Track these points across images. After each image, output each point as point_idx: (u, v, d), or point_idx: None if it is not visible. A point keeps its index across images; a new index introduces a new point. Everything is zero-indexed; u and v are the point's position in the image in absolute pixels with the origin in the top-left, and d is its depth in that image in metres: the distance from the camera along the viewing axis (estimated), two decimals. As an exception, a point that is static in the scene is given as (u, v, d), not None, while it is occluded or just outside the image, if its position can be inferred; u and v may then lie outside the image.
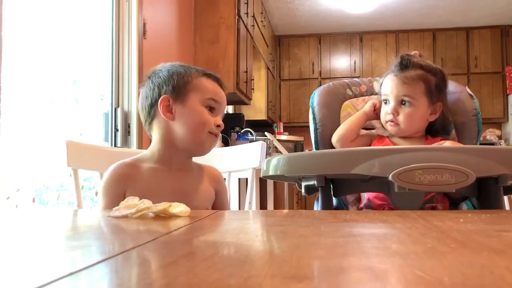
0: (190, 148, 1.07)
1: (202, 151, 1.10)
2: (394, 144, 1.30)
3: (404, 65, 1.27)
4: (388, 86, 1.29)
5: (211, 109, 1.08)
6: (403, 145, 1.28)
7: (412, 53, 1.31)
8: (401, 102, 1.26)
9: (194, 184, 1.11)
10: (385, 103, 1.30)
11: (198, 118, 1.05)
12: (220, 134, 4.00)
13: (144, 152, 1.11)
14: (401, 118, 1.26)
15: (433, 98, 1.26)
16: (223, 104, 1.12)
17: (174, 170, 1.08)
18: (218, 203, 1.15)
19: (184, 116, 1.05)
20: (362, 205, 1.29)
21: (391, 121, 1.27)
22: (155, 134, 1.09)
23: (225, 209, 1.16)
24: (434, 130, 1.32)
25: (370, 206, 1.24)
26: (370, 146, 1.33)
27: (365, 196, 1.27)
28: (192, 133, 1.05)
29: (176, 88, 1.06)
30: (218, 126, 1.08)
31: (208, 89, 1.08)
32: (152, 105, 1.08)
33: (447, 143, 1.21)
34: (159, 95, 1.06)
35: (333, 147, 1.34)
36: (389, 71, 1.31)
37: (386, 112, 1.30)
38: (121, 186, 1.04)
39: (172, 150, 1.07)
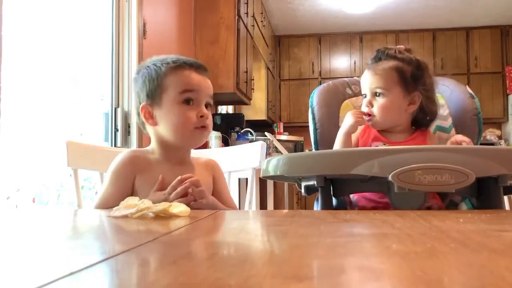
0: (181, 145, 1.09)
1: (194, 145, 1.11)
2: (379, 135, 1.28)
3: (378, 58, 1.27)
4: (362, 80, 1.29)
5: (189, 101, 1.04)
6: (387, 138, 1.26)
7: (397, 47, 1.29)
8: (375, 94, 1.25)
9: (193, 175, 1.12)
10: (365, 97, 1.28)
11: (176, 119, 1.04)
12: (220, 134, 3.94)
13: (147, 148, 1.14)
14: (375, 109, 1.24)
15: (408, 88, 1.23)
16: (202, 91, 1.05)
17: (173, 163, 1.10)
18: (218, 190, 1.15)
19: (163, 119, 1.06)
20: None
21: (367, 114, 1.25)
22: (150, 136, 1.12)
23: (225, 196, 1.15)
24: (414, 121, 1.29)
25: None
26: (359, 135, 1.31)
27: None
28: (176, 133, 1.06)
29: (149, 94, 1.06)
30: (201, 116, 1.04)
31: (179, 82, 1.04)
32: (139, 113, 1.10)
33: (459, 137, 1.18)
34: (140, 103, 1.08)
35: (332, 147, 1.34)
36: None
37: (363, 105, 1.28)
38: (132, 171, 1.05)
39: (167, 148, 1.09)
